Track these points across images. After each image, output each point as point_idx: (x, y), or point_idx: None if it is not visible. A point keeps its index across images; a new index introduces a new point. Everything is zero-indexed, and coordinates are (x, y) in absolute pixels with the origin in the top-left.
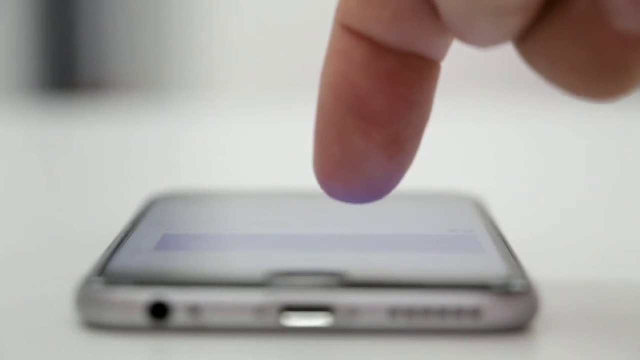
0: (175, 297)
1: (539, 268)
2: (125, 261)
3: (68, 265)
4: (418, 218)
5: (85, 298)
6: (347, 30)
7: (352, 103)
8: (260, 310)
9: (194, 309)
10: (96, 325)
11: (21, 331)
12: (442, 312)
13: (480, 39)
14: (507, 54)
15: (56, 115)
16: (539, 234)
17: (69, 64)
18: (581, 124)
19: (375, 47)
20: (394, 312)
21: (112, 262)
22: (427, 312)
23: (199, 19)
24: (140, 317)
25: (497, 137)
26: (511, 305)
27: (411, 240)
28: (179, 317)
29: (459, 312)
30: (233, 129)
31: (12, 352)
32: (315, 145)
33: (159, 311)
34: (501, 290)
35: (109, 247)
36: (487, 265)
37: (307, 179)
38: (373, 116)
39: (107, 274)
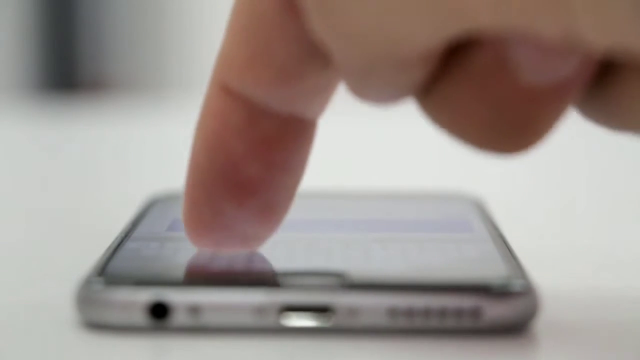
0: (175, 297)
1: (539, 268)
2: (125, 261)
3: (68, 265)
4: (418, 218)
5: (85, 298)
6: (225, 90)
7: (225, 168)
8: (260, 310)
9: (194, 309)
10: (96, 325)
11: (21, 331)
12: (442, 312)
13: (376, 95)
14: None
15: (56, 115)
16: (538, 234)
17: (69, 64)
18: (582, 124)
19: (253, 110)
20: (394, 312)
21: (112, 262)
22: (427, 312)
23: (199, 19)
24: (140, 317)
25: None
26: (511, 305)
27: (411, 241)
28: (179, 317)
29: (459, 312)
30: None
31: (12, 352)
32: (185, 200)
33: (159, 311)
34: (501, 290)
35: (109, 247)
36: (487, 265)
37: (306, 178)
38: (246, 183)
39: (107, 274)
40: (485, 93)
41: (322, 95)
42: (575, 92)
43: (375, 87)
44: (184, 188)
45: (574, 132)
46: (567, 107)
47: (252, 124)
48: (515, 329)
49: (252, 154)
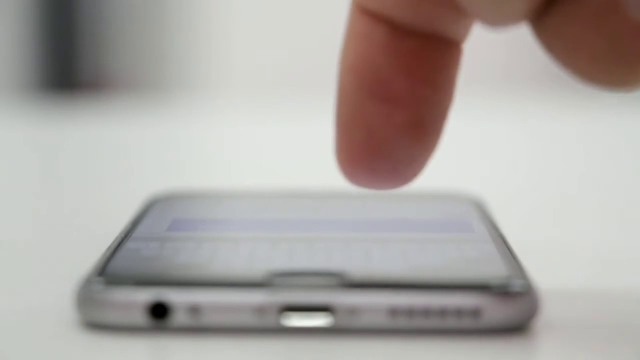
0: (175, 297)
1: (539, 268)
2: (125, 261)
3: (68, 265)
4: (418, 218)
5: (85, 298)
6: (365, 12)
7: (374, 86)
8: (260, 310)
9: (194, 309)
10: (96, 326)
11: (21, 331)
12: (442, 312)
13: (490, 18)
14: (507, 54)
15: (56, 115)
16: (538, 234)
17: (69, 64)
18: (582, 124)
19: (395, 28)
20: (394, 312)
21: (112, 262)
22: (427, 312)
23: (199, 19)
24: (140, 317)
25: (497, 137)
26: (511, 305)
27: (411, 241)
28: (179, 317)
29: (459, 312)
30: (233, 128)
31: (12, 353)
32: (336, 130)
33: (159, 311)
34: (501, 290)
35: (109, 247)
36: (487, 265)
37: (307, 178)
38: (395, 98)
39: (107, 274)
40: (598, 26)
41: (460, 18)
42: None
43: (485, 12)
44: (335, 116)
45: (574, 132)
46: None
47: (396, 41)
48: (515, 329)
49: (398, 69)
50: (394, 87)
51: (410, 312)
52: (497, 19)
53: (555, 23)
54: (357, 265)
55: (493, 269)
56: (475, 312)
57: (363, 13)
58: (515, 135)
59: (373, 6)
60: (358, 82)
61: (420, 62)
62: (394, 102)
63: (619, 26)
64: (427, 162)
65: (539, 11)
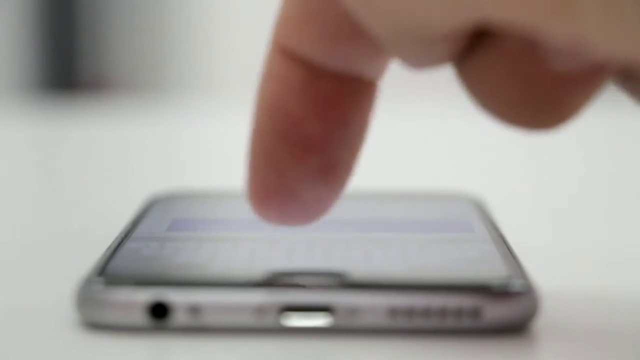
0: (175, 297)
1: (539, 268)
2: (125, 261)
3: (68, 265)
4: (418, 218)
5: (85, 298)
6: (284, 52)
7: (287, 129)
8: (260, 310)
9: (194, 309)
10: (96, 325)
11: (21, 331)
12: (442, 312)
13: (412, 61)
14: None
15: (56, 115)
16: (538, 234)
17: (69, 64)
18: (582, 124)
19: (312, 70)
20: (394, 312)
21: (112, 262)
22: (427, 312)
23: (199, 19)
24: (140, 317)
25: (498, 137)
26: (511, 305)
27: (411, 241)
28: (179, 317)
29: (459, 312)
30: (233, 128)
31: (12, 353)
32: (248, 170)
33: (159, 311)
34: (501, 290)
35: (109, 247)
36: (487, 265)
37: None
38: (308, 142)
39: (107, 274)
40: (515, 72)
41: (379, 57)
42: (607, 75)
43: (406, 57)
44: (247, 156)
45: (574, 132)
46: (601, 88)
47: (311, 83)
48: (515, 329)
49: (312, 113)
50: (307, 131)
51: (410, 312)
52: (419, 61)
53: (474, 67)
54: (357, 265)
55: (493, 269)
56: (475, 312)
57: (281, 53)
58: (515, 135)
59: (292, 45)
60: (271, 125)
61: (335, 104)
62: (307, 146)
63: (537, 75)
64: (337, 200)
65: (460, 55)
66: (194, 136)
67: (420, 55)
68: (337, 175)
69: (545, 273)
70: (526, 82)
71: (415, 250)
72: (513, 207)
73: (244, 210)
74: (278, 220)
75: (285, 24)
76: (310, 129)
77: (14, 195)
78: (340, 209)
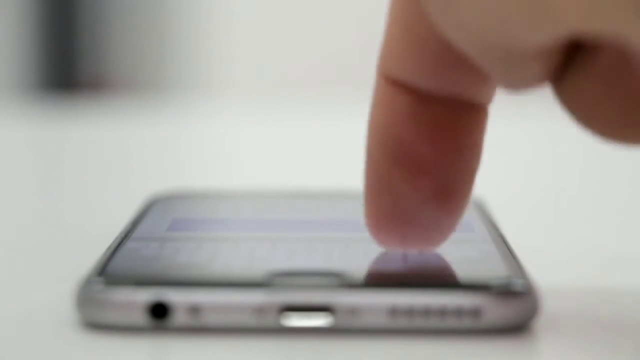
0: (175, 297)
1: (539, 268)
2: (125, 261)
3: (68, 265)
4: None
5: (85, 298)
6: (390, 80)
7: (399, 154)
8: (260, 310)
9: (194, 309)
10: (96, 325)
11: (21, 331)
12: (442, 312)
13: (510, 84)
14: None
15: (56, 115)
16: (539, 234)
17: (69, 64)
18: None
19: (420, 95)
20: (394, 312)
21: (112, 262)
22: (427, 312)
23: (199, 19)
24: (140, 317)
25: (498, 137)
26: (511, 305)
27: None
28: (179, 317)
29: (459, 312)
30: (233, 128)
31: (12, 353)
32: (365, 197)
33: (159, 311)
34: (501, 290)
35: (109, 247)
36: (487, 265)
37: (307, 178)
38: (420, 166)
39: (107, 274)
40: (611, 88)
41: (484, 81)
42: None
43: (502, 77)
44: (364, 182)
45: (574, 132)
46: None
47: (420, 108)
48: (516, 328)
49: (422, 137)
50: (419, 155)
51: (410, 312)
52: (515, 82)
53: (571, 85)
54: (357, 265)
55: (493, 269)
56: (475, 312)
57: (387, 81)
58: (515, 135)
59: (397, 74)
60: (383, 150)
61: (444, 128)
62: (420, 170)
63: (632, 87)
64: (456, 225)
65: (557, 74)
66: (194, 136)
67: (515, 75)
68: (452, 199)
69: (545, 273)
70: (624, 94)
71: (415, 250)
72: (513, 207)
73: (244, 210)
74: (397, 245)
75: (389, 53)
76: (421, 152)
77: (13, 195)
78: (340, 209)
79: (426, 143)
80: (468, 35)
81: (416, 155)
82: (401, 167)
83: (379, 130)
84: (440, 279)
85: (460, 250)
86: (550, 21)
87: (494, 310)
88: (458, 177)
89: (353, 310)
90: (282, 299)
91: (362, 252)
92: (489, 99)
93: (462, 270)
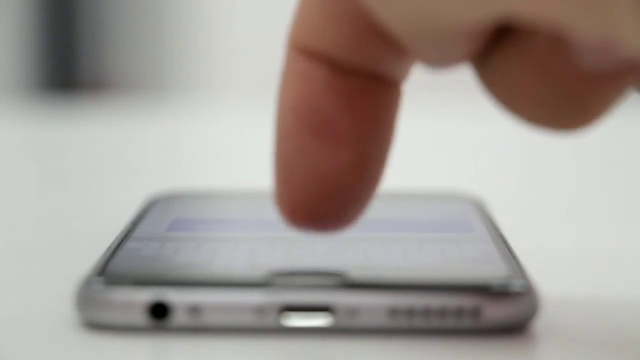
0: (175, 297)
1: (539, 268)
2: (125, 261)
3: (68, 265)
4: (418, 218)
5: (85, 298)
6: (305, 52)
7: (317, 125)
8: (260, 310)
9: (194, 309)
10: (96, 325)
11: (21, 331)
12: (442, 312)
13: (432, 59)
14: None
15: (56, 115)
16: (539, 234)
17: (69, 64)
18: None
19: (336, 67)
20: (394, 312)
21: (112, 262)
22: (427, 312)
23: (200, 19)
24: (140, 317)
25: (498, 137)
26: (511, 305)
27: (411, 240)
28: (179, 317)
29: (459, 312)
30: (234, 128)
31: (12, 353)
32: (276, 176)
33: (159, 311)
34: (501, 290)
35: (109, 247)
36: (487, 265)
37: None
38: (339, 137)
39: (107, 274)
40: (542, 72)
41: (401, 57)
42: (637, 75)
43: (427, 55)
44: (274, 158)
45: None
46: (629, 88)
47: (337, 80)
48: (515, 329)
49: (340, 108)
50: (336, 126)
51: (410, 312)
52: (439, 60)
53: (498, 67)
54: (357, 265)
55: (493, 269)
56: (475, 312)
57: (302, 53)
58: (515, 135)
59: (313, 46)
60: (300, 121)
61: (362, 100)
62: (339, 141)
63: (565, 73)
64: (370, 202)
65: (481, 53)
66: (195, 136)
67: (440, 54)
68: (369, 172)
69: (545, 273)
70: (555, 82)
71: (415, 250)
72: (513, 207)
73: (244, 210)
74: (310, 223)
75: (305, 25)
76: (340, 124)
77: (14, 195)
78: None
79: (344, 114)
80: (396, 13)
81: (335, 126)
82: (319, 139)
83: (294, 103)
84: (440, 279)
85: (460, 250)
86: (490, 3)
87: (494, 310)
88: (375, 150)
89: (353, 310)
90: (282, 299)
91: (362, 252)
92: (403, 76)
93: (462, 270)
